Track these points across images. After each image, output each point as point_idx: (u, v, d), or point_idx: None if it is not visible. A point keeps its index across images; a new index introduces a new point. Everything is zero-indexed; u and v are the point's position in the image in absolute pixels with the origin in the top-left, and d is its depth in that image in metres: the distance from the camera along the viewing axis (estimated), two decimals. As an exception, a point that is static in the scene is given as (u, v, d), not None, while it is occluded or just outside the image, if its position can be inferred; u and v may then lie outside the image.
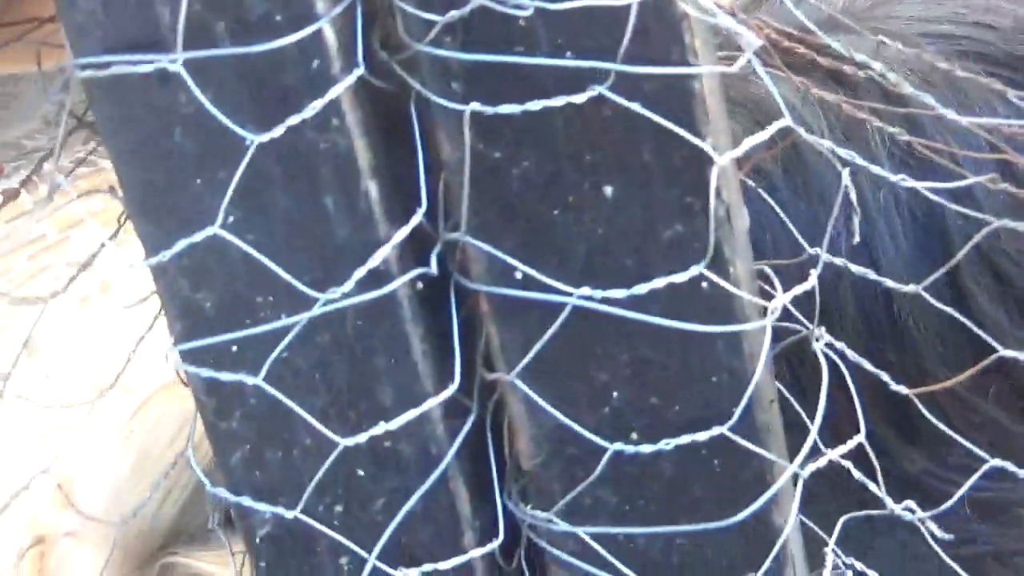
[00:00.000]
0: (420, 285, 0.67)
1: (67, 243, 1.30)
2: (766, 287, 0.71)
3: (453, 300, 0.67)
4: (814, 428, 0.70)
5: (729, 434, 0.65)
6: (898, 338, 1.04)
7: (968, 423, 1.06)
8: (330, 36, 0.61)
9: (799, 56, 0.74)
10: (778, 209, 0.73)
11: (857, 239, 0.67)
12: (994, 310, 1.04)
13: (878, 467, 1.07)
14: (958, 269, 1.04)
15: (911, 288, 0.70)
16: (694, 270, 0.63)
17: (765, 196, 0.73)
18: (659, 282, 0.63)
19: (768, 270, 0.72)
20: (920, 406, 0.72)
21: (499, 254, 0.64)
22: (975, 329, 0.71)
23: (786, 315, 0.73)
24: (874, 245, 1.03)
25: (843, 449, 0.72)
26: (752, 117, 0.99)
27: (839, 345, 0.73)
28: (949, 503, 0.73)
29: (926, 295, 0.70)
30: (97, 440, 1.13)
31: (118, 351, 0.83)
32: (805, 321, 0.73)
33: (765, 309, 0.66)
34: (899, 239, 1.03)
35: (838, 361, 0.73)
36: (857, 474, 0.73)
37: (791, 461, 0.68)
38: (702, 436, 0.65)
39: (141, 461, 1.13)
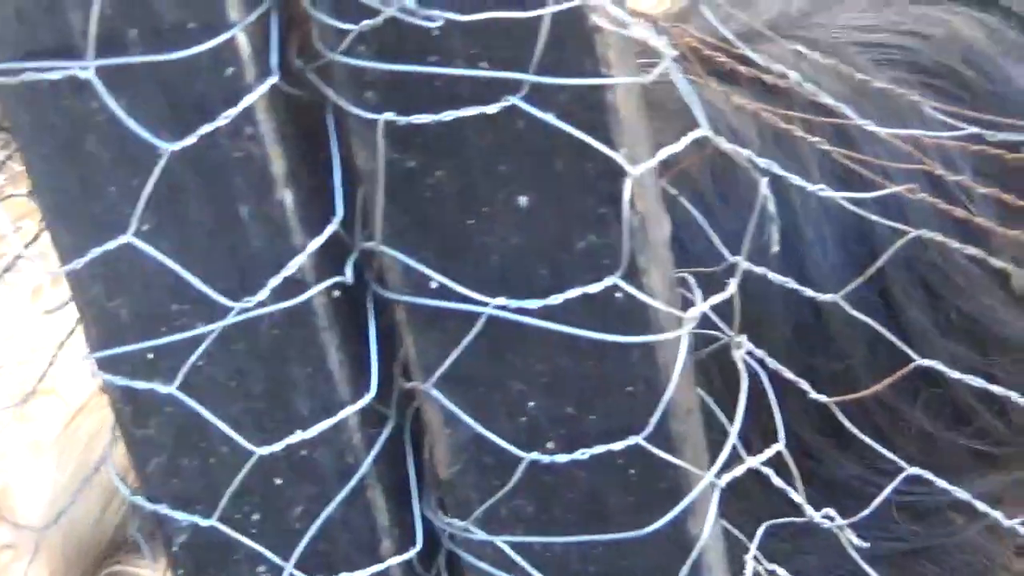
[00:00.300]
0: (337, 294, 0.66)
1: (21, 233, 1.28)
2: (688, 295, 0.71)
3: (371, 309, 0.67)
4: (732, 435, 0.70)
5: (644, 444, 0.65)
6: (828, 345, 1.05)
7: (897, 430, 1.07)
8: (244, 44, 0.61)
9: (721, 64, 0.74)
10: (700, 218, 0.73)
11: (776, 248, 0.67)
12: (923, 321, 1.05)
13: (811, 472, 1.08)
14: (888, 281, 1.05)
15: (830, 297, 0.71)
16: (608, 281, 0.63)
17: (687, 205, 0.73)
18: (573, 292, 0.63)
19: (690, 279, 0.72)
20: (838, 412, 0.73)
21: (413, 263, 0.63)
22: (891, 338, 0.71)
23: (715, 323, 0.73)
24: (803, 254, 1.03)
25: (762, 457, 0.72)
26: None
27: (759, 353, 0.73)
28: (867, 511, 0.73)
29: (844, 304, 0.71)
30: (33, 449, 1.13)
31: (69, 345, 0.82)
32: (726, 329, 0.73)
33: (683, 319, 0.67)
34: (828, 248, 1.04)
35: (759, 369, 0.73)
36: (777, 481, 0.74)
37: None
38: (617, 446, 0.65)
39: (80, 470, 1.12)
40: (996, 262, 0.68)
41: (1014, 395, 0.70)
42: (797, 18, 1.12)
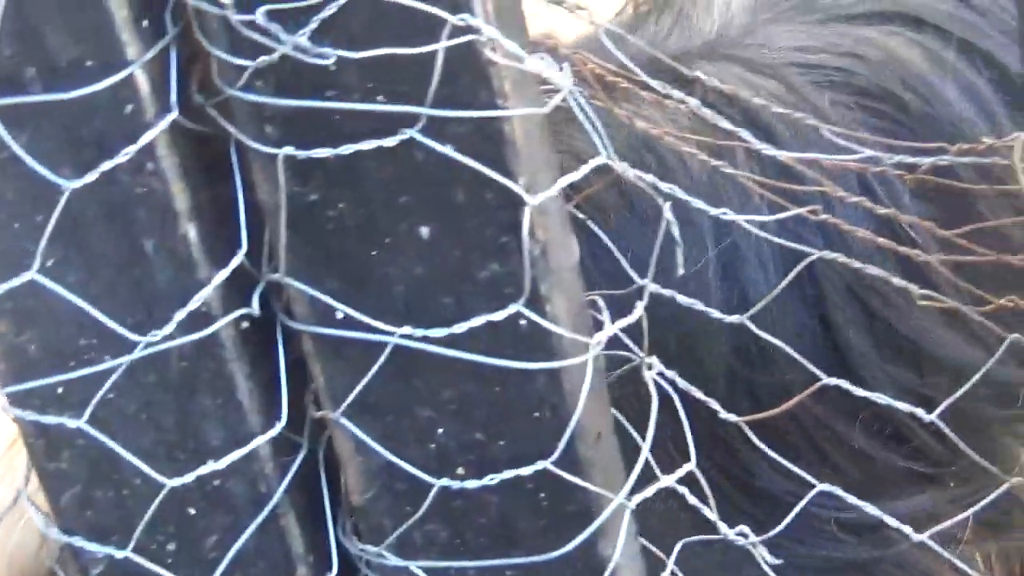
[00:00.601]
0: (246, 325, 0.67)
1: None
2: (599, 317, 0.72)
3: (280, 339, 0.68)
4: (642, 455, 0.71)
5: (552, 469, 0.66)
6: (768, 363, 1.05)
7: (837, 450, 1.07)
8: (142, 81, 0.62)
9: (625, 90, 0.75)
10: (608, 241, 0.74)
11: (681, 271, 0.68)
12: (862, 343, 1.05)
13: (747, 484, 1.09)
14: (826, 303, 1.05)
15: (736, 318, 0.71)
16: (511, 309, 0.63)
17: (595, 229, 0.74)
18: (476, 321, 0.63)
19: (600, 302, 0.73)
20: (751, 434, 0.74)
21: (318, 295, 0.64)
22: (796, 356, 0.72)
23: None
24: (743, 276, 1.03)
25: (673, 477, 0.73)
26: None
27: (670, 374, 0.74)
28: (778, 528, 0.74)
29: (750, 324, 0.71)
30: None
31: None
32: (636, 350, 0.74)
33: (589, 344, 0.67)
34: (768, 270, 1.04)
35: (668, 388, 0.74)
36: (692, 500, 0.75)
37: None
38: (525, 471, 0.66)
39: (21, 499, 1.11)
40: (898, 281, 0.69)
41: (919, 411, 0.71)
42: (735, 39, 1.12)
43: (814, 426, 1.07)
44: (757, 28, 1.11)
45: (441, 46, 0.58)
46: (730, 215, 0.68)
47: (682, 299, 0.71)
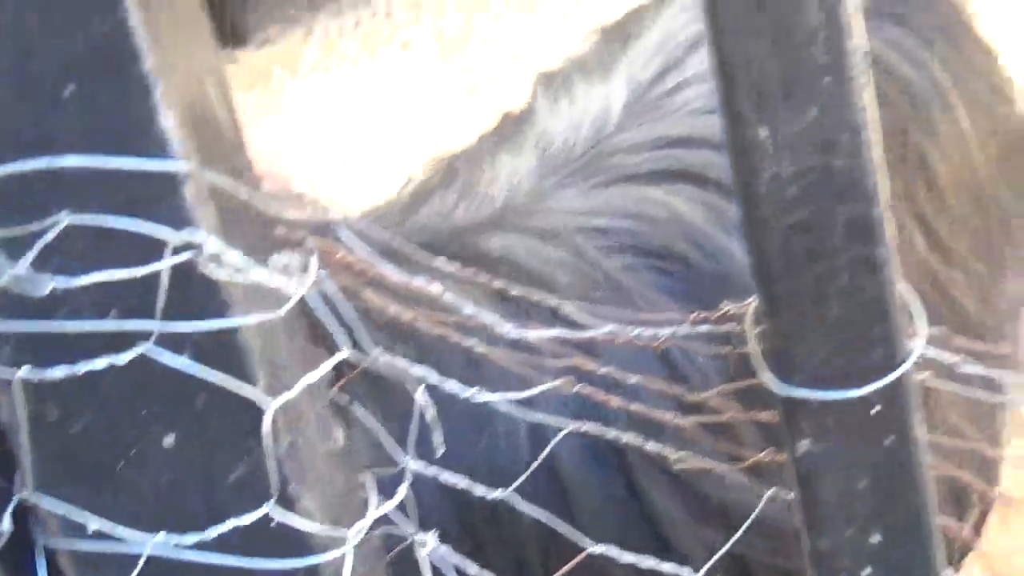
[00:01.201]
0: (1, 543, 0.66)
1: None
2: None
3: (40, 554, 0.67)
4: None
5: (319, 663, 0.66)
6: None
7: None
8: None
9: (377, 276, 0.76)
10: (374, 422, 0.74)
11: (441, 451, 0.69)
12: (672, 509, 1.05)
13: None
14: (632, 471, 1.04)
15: (500, 493, 0.72)
16: (260, 512, 0.64)
17: (363, 413, 0.74)
18: (226, 526, 0.64)
19: (370, 481, 0.74)
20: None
21: (67, 510, 0.64)
22: (564, 530, 0.73)
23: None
24: (557, 465, 1.02)
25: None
26: None
27: (443, 550, 0.74)
28: None
29: (518, 496, 0.72)
30: None
31: None
32: (408, 528, 0.74)
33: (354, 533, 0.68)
34: (577, 458, 1.02)
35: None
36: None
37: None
38: (290, 669, 0.66)
39: None
40: (653, 446, 0.70)
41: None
42: (525, 205, 1.12)
43: None
44: (545, 193, 1.11)
45: (163, 265, 0.59)
46: (483, 395, 0.69)
47: (446, 476, 0.72)
